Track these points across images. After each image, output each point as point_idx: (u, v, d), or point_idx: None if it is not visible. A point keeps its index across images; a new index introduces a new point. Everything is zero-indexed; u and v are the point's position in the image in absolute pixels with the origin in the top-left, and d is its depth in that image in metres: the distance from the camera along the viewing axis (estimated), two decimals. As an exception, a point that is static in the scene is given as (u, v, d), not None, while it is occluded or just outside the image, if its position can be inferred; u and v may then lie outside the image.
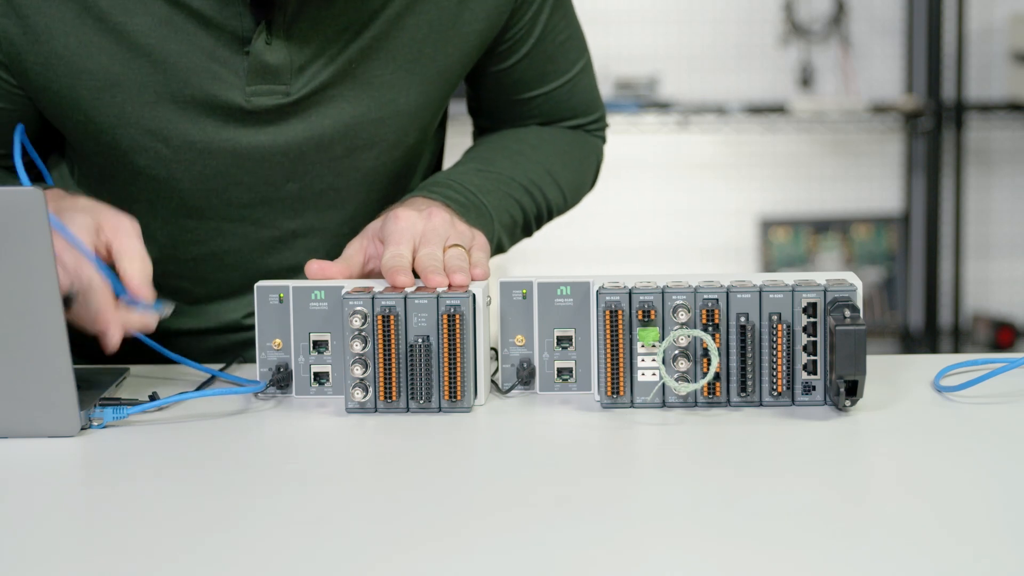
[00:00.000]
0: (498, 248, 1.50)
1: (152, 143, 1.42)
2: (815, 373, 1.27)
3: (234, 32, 1.38)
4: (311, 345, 1.33)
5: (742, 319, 1.26)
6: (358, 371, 1.28)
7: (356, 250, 1.40)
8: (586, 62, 1.61)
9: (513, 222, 1.52)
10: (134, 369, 1.45)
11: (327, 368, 1.33)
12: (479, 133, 1.65)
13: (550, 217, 1.59)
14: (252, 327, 1.51)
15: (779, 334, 1.26)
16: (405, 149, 1.50)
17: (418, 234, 1.36)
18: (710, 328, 1.26)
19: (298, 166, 1.45)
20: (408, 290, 1.29)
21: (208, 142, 1.42)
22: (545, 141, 1.59)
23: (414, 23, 1.43)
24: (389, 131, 1.47)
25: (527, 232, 1.57)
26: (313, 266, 1.37)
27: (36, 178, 1.46)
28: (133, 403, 1.28)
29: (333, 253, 1.49)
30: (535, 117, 1.60)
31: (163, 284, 1.41)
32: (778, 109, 4.00)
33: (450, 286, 1.30)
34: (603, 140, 1.67)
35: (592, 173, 1.65)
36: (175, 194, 1.45)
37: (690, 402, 1.28)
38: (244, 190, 1.46)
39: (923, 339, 4.11)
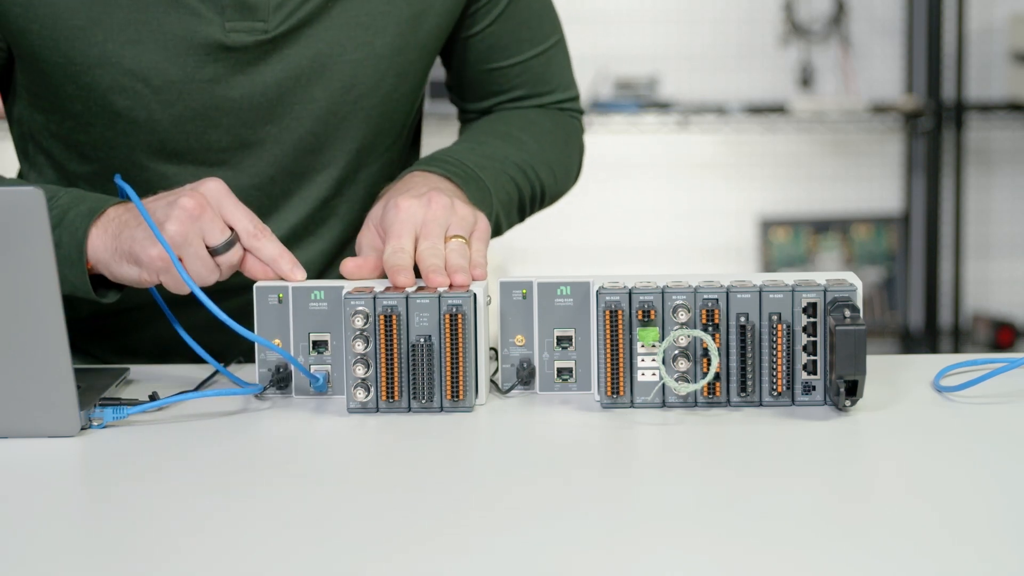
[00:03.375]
0: (496, 229, 1.50)
1: (132, 83, 1.43)
2: (815, 373, 1.27)
3: None
4: (311, 345, 1.33)
5: (742, 319, 1.26)
6: (360, 371, 1.28)
7: (370, 241, 1.40)
8: (561, 39, 1.62)
9: (509, 199, 1.52)
10: (134, 369, 1.45)
11: (327, 368, 1.33)
12: (464, 123, 1.66)
13: (543, 198, 1.60)
14: (239, 287, 1.50)
15: (779, 334, 1.26)
16: (383, 98, 1.50)
17: (419, 224, 1.35)
18: (710, 328, 1.26)
19: (276, 107, 1.46)
20: (409, 290, 1.29)
21: (188, 81, 1.43)
22: (530, 123, 1.60)
23: None
24: (366, 74, 1.48)
25: (521, 213, 1.57)
26: (349, 265, 1.36)
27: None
28: (133, 403, 1.28)
29: (314, 214, 1.52)
30: (511, 90, 1.61)
31: None
32: (778, 109, 4.00)
33: (451, 285, 1.30)
34: (580, 122, 1.67)
35: (577, 154, 1.66)
36: (154, 137, 1.46)
37: (690, 402, 1.28)
38: (223, 132, 1.46)
39: (923, 339, 4.10)
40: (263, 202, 1.50)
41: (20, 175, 1.57)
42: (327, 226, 1.54)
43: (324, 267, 1.55)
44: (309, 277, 1.39)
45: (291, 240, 1.52)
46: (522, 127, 1.58)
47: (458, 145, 1.55)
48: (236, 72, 1.44)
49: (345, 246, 1.56)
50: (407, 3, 1.47)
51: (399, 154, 1.58)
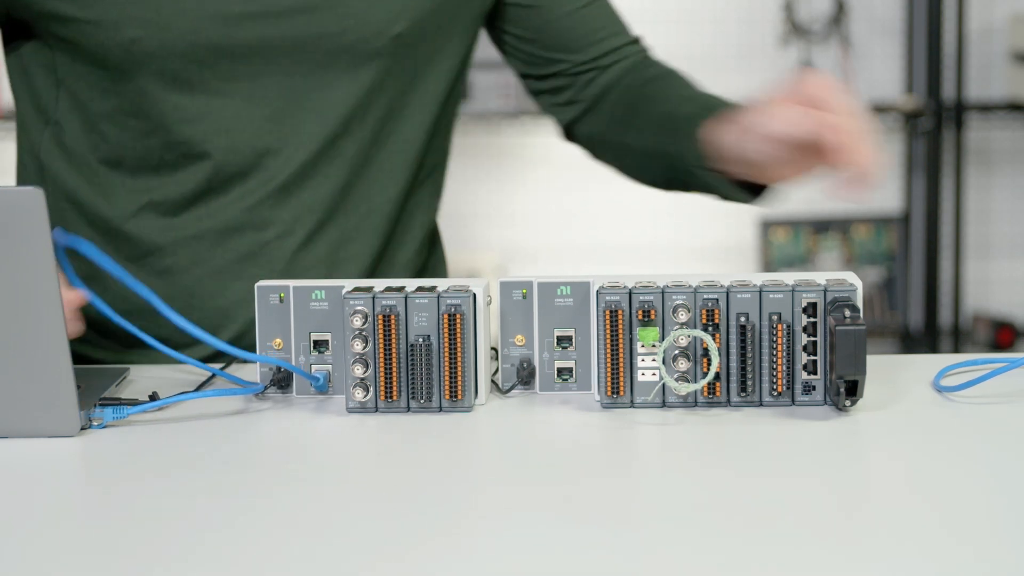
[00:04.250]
0: None
1: (142, 12, 1.45)
2: (815, 373, 1.27)
3: None
4: (311, 345, 1.33)
5: (742, 319, 1.26)
6: (359, 371, 1.28)
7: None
8: None
9: None
10: (134, 369, 1.45)
11: (328, 368, 1.33)
12: (555, 109, 1.68)
13: None
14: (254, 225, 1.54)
15: (779, 334, 1.26)
16: (394, 42, 1.52)
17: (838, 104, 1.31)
18: (710, 328, 1.26)
19: (288, 33, 1.49)
20: (408, 289, 1.29)
21: (199, 4, 1.46)
22: (672, 77, 1.63)
23: None
24: (378, 14, 1.50)
25: None
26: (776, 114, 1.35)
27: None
28: (133, 403, 1.28)
29: (321, 152, 1.53)
30: (572, 46, 1.63)
31: (159, 180, 1.48)
32: (778, 109, 3.99)
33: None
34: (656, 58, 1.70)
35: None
36: (167, 67, 1.48)
37: (690, 402, 1.28)
38: (239, 62, 1.48)
39: (923, 339, 4.10)
40: (273, 134, 1.52)
41: (34, 163, 1.58)
42: (334, 166, 1.55)
43: (331, 209, 1.56)
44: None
45: (298, 179, 1.54)
46: (680, 84, 1.61)
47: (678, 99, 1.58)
48: (250, 2, 1.47)
49: (351, 189, 1.56)
50: None
51: (419, 112, 1.58)
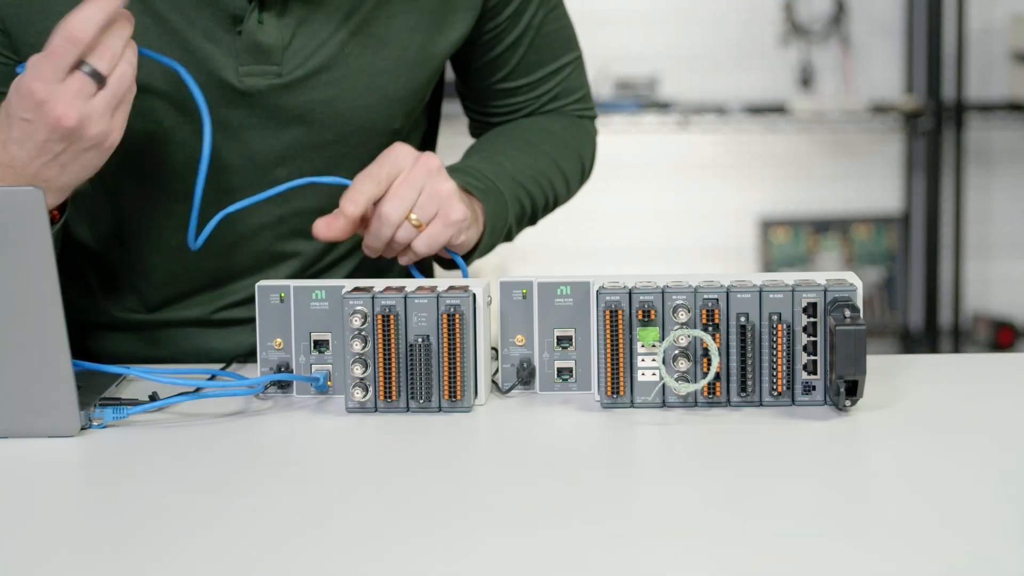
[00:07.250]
0: (507, 236, 1.52)
1: (146, 124, 1.43)
2: (815, 373, 1.27)
3: (227, 9, 1.40)
4: (312, 345, 1.33)
5: (742, 319, 1.26)
6: (358, 371, 1.28)
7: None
8: (578, 57, 1.64)
9: (522, 211, 1.55)
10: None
11: (328, 367, 1.33)
12: (475, 126, 1.66)
13: (555, 206, 1.61)
14: (240, 312, 1.54)
15: (779, 334, 1.26)
16: (392, 134, 1.52)
17: (402, 170, 1.39)
18: (710, 328, 1.26)
19: (288, 150, 1.47)
20: (408, 289, 1.29)
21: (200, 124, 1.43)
22: (547, 132, 1.60)
23: (404, 9, 1.46)
24: (378, 117, 1.49)
25: (532, 222, 1.59)
26: (319, 225, 1.39)
27: None
28: (133, 403, 1.28)
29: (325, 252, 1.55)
30: (525, 106, 1.62)
31: (158, 281, 1.45)
32: (778, 109, 4.00)
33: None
34: (593, 123, 1.68)
35: (589, 159, 1.67)
36: (164, 177, 1.46)
37: (690, 402, 1.28)
38: (234, 174, 1.47)
39: (923, 339, 4.10)
40: (268, 237, 1.52)
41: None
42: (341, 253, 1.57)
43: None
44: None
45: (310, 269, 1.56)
46: (540, 135, 1.59)
47: (473, 157, 1.55)
48: (249, 115, 1.44)
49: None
50: (421, 47, 1.48)
51: None
